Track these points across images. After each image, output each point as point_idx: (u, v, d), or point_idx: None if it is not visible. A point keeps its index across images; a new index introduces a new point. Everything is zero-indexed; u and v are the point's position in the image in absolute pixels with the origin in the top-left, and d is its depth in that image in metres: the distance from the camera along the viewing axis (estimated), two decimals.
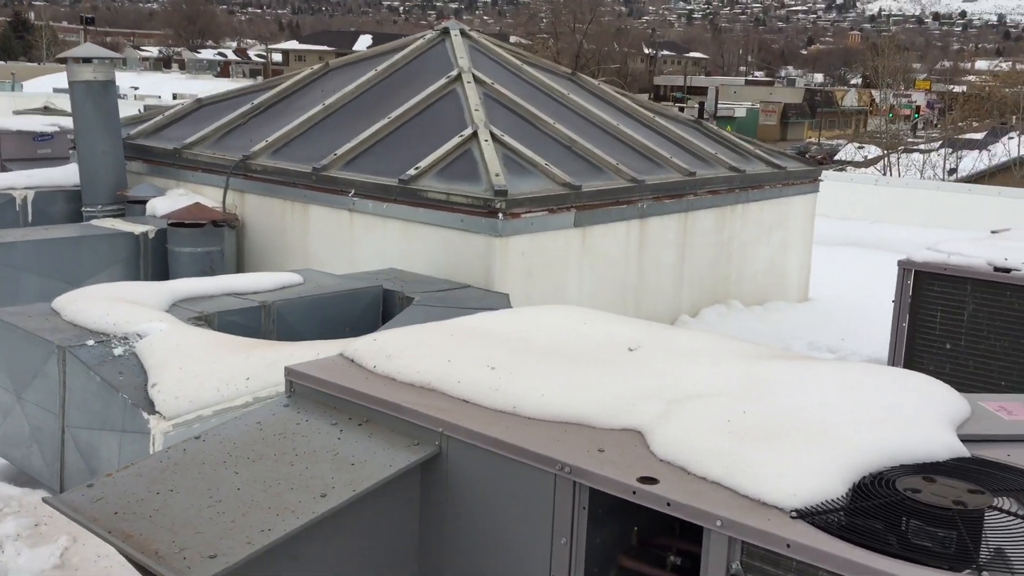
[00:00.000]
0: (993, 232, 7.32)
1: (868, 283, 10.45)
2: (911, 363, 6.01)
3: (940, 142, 39.58)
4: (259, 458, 3.16)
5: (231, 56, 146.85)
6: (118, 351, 4.68)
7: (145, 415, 4.26)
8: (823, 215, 11.24)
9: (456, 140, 7.70)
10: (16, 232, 7.69)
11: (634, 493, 2.71)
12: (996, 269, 5.71)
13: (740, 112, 79.55)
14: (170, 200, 8.79)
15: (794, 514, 2.54)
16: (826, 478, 2.67)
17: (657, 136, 9.47)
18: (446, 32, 9.95)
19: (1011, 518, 2.59)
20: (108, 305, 5.13)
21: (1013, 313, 5.63)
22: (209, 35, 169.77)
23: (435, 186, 7.27)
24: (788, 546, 2.42)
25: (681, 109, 74.16)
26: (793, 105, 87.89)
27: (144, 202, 8.83)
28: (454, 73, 8.86)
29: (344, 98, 9.07)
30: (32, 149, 14.68)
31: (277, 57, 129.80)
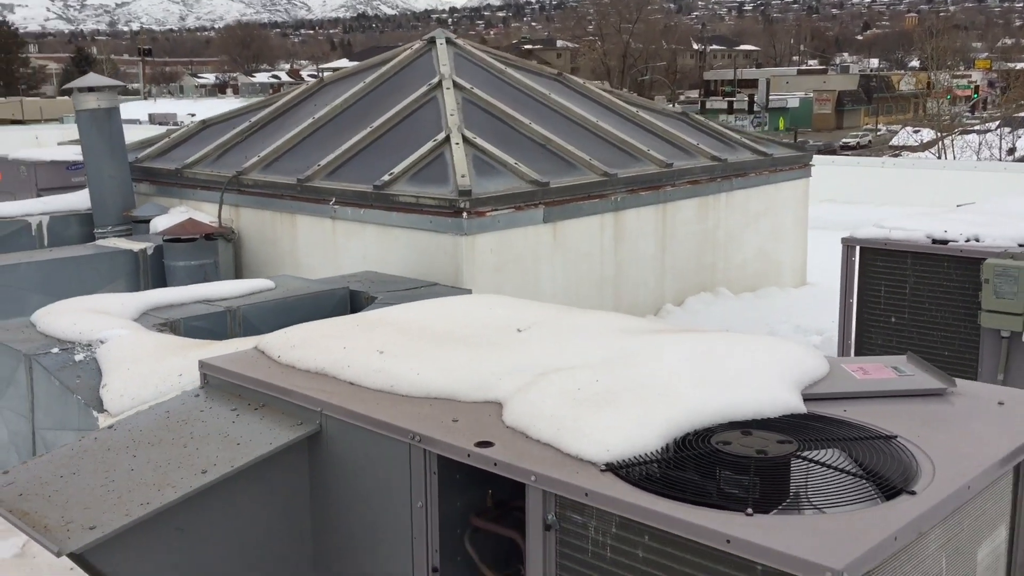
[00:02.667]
0: (959, 206, 7.38)
1: None
2: (861, 339, 6.13)
3: (998, 122, 38.82)
4: (158, 442, 3.46)
5: (284, 78, 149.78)
6: (79, 357, 5.04)
7: (95, 414, 4.60)
8: (849, 201, 11.24)
9: (429, 145, 7.99)
10: (21, 254, 8.15)
11: (468, 456, 2.95)
12: (934, 241, 5.81)
13: (793, 102, 78.68)
14: (172, 218, 9.21)
15: (604, 467, 2.75)
16: (643, 435, 2.88)
17: (638, 130, 9.65)
18: (432, 41, 10.25)
19: (813, 465, 2.77)
20: (78, 316, 5.50)
21: (952, 284, 5.73)
22: (263, 59, 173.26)
23: (407, 190, 7.56)
24: (587, 495, 2.64)
25: (730, 104, 73.76)
26: (848, 92, 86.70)
27: (148, 221, 9.27)
28: (435, 80, 9.16)
29: (333, 111, 9.41)
30: (66, 178, 15.30)
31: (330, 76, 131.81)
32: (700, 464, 2.77)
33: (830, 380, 3.44)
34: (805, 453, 2.80)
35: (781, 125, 68.11)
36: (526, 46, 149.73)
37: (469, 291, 6.78)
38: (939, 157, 31.32)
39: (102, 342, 5.16)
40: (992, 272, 5.43)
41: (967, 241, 5.78)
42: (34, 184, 14.81)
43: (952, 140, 34.62)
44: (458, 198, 7.14)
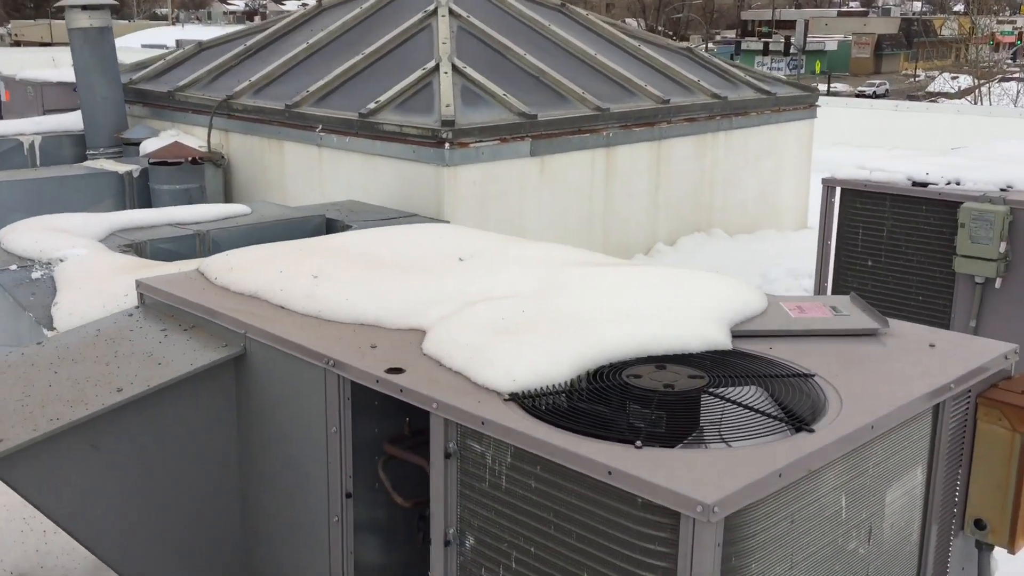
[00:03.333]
0: (952, 150, 7.19)
1: None
2: (837, 281, 6.02)
3: None
4: (82, 360, 3.44)
5: (312, 3, 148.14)
6: (36, 275, 5.03)
7: (45, 331, 4.59)
8: (861, 145, 11.02)
9: (418, 73, 7.85)
10: (4, 173, 8.14)
11: (377, 382, 2.90)
12: (914, 184, 5.66)
13: (831, 45, 77.11)
14: (162, 141, 9.16)
15: (507, 397, 2.70)
16: (553, 366, 2.82)
17: (639, 65, 9.44)
18: None
19: (719, 401, 2.71)
20: (41, 234, 5.48)
21: (929, 228, 5.58)
22: None
23: (392, 119, 7.45)
24: (483, 424, 2.59)
25: (766, 44, 72.35)
26: (888, 36, 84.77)
27: (139, 143, 9.22)
28: (431, 8, 8.97)
29: (327, 37, 9.27)
30: (72, 99, 15.26)
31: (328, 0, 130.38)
32: (605, 396, 2.72)
33: (764, 318, 3.36)
34: (716, 389, 2.74)
35: (817, 68, 66.81)
36: None
37: (446, 223, 6.70)
38: (975, 104, 30.62)
39: (61, 260, 5.14)
40: (968, 216, 5.29)
41: (947, 184, 5.62)
42: (40, 105, 14.78)
43: (990, 87, 33.82)
44: (440, 128, 7.03)
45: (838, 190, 5.97)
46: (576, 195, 8.06)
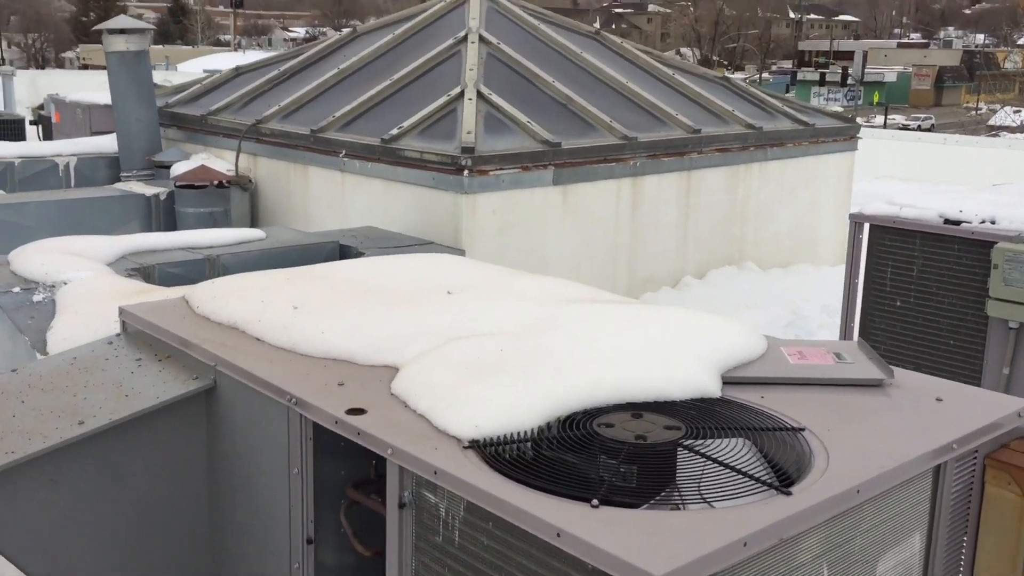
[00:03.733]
0: (994, 186, 6.89)
1: None
2: (865, 322, 5.75)
3: None
4: (51, 389, 3.33)
5: None
6: (37, 298, 4.97)
7: (39, 356, 4.51)
8: (907, 178, 10.73)
9: (443, 100, 7.75)
10: (34, 194, 8.18)
11: (336, 423, 2.75)
12: (946, 222, 5.39)
13: (890, 77, 76.18)
14: (192, 164, 9.16)
15: (467, 444, 2.53)
16: (521, 411, 2.64)
17: (671, 93, 9.26)
18: None
19: (695, 456, 2.51)
20: (49, 256, 5.44)
21: (962, 268, 5.31)
22: (353, 15, 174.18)
23: (413, 145, 7.35)
24: (435, 473, 2.42)
25: (823, 75, 71.63)
26: (949, 68, 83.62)
27: (170, 166, 9.23)
28: (462, 34, 8.89)
29: (358, 63, 9.23)
30: None
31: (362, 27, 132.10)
32: (573, 446, 2.53)
33: (760, 363, 3.15)
34: (693, 442, 2.54)
35: (875, 100, 65.98)
36: (616, 9, 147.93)
37: (462, 252, 6.57)
38: None
39: (65, 283, 5.08)
40: (1002, 257, 5.01)
41: (982, 223, 5.34)
42: (88, 126, 14.99)
43: None
44: (460, 155, 6.91)
45: (866, 226, 5.72)
46: (601, 225, 7.88)
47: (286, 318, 3.44)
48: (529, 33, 9.53)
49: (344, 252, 6.46)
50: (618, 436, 2.52)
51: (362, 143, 7.72)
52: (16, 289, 5.06)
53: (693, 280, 8.58)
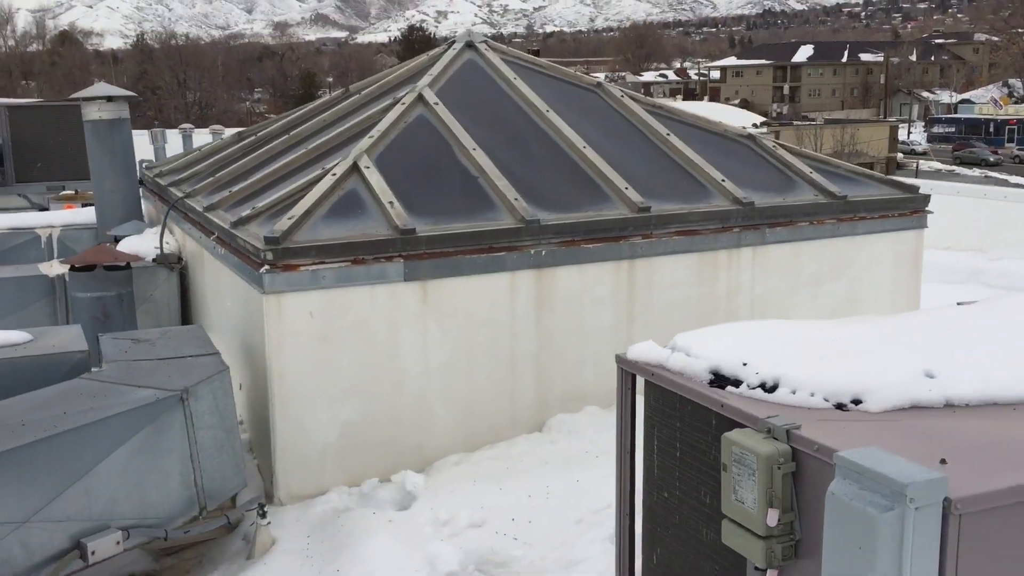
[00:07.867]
0: (959, 304, 4.66)
1: None
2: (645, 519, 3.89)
3: None
4: None
5: (671, 77, 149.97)
6: None
7: None
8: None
9: (315, 173, 6.61)
10: None
11: None
12: (715, 379, 3.50)
13: None
14: (143, 239, 8.59)
15: None
16: None
17: (654, 159, 7.45)
18: (450, 45, 8.71)
19: None
20: None
21: (717, 456, 3.37)
22: (656, 58, 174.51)
23: (251, 231, 6.23)
24: None
25: None
26: None
27: (121, 240, 8.71)
28: (402, 94, 7.67)
29: (305, 131, 8.26)
30: None
31: (716, 75, 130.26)
32: None
33: None
34: None
35: None
36: (936, 40, 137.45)
37: (219, 359, 5.35)
38: None
39: None
40: (730, 455, 3.09)
41: (758, 387, 3.40)
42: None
43: None
44: (263, 247, 5.70)
45: (633, 378, 3.87)
46: (487, 329, 6.31)
47: None
48: (501, 90, 8.10)
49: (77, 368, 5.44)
50: None
51: (222, 226, 6.71)
52: None
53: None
